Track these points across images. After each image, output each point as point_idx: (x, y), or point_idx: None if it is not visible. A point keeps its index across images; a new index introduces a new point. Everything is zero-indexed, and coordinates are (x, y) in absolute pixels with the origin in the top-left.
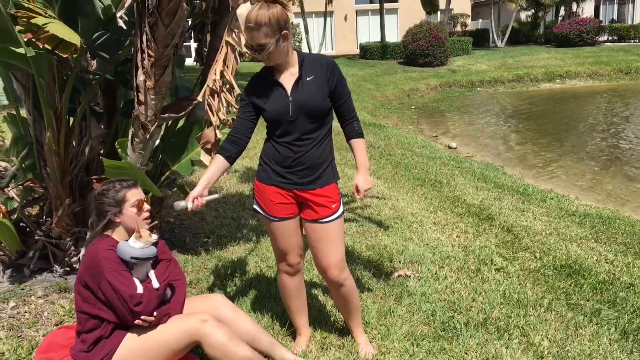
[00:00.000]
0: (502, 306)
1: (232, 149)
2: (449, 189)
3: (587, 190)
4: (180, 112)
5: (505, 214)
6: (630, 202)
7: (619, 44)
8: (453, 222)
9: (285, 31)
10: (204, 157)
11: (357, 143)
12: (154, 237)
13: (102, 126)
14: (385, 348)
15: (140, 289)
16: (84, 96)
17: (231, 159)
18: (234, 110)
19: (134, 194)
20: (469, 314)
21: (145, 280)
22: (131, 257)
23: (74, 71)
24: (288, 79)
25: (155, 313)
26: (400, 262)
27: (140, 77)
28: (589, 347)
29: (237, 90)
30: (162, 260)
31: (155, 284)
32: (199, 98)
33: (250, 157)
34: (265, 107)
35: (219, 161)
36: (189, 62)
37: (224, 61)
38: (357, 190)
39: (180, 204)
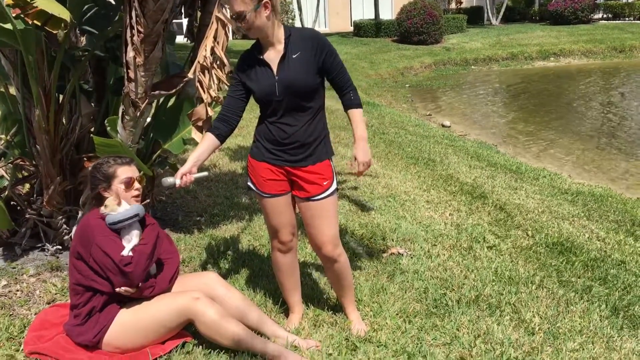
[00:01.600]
0: (493, 283)
1: (222, 128)
2: (442, 167)
3: (580, 168)
4: (171, 89)
5: (498, 192)
6: (622, 180)
7: (614, 21)
8: (446, 200)
9: (265, 0)
10: (196, 135)
11: (354, 113)
12: (104, 211)
13: (92, 104)
14: (378, 325)
15: (128, 250)
16: (73, 73)
17: (221, 138)
18: (225, 87)
19: (125, 171)
20: (461, 291)
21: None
22: (110, 224)
23: (62, 47)
24: (274, 57)
25: (140, 285)
26: (393, 240)
27: (130, 53)
28: (579, 324)
29: (228, 67)
30: (148, 225)
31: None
32: (190, 75)
33: (243, 136)
34: (252, 87)
35: (209, 139)
36: (180, 39)
37: (214, 37)
38: (357, 164)
39: (168, 180)
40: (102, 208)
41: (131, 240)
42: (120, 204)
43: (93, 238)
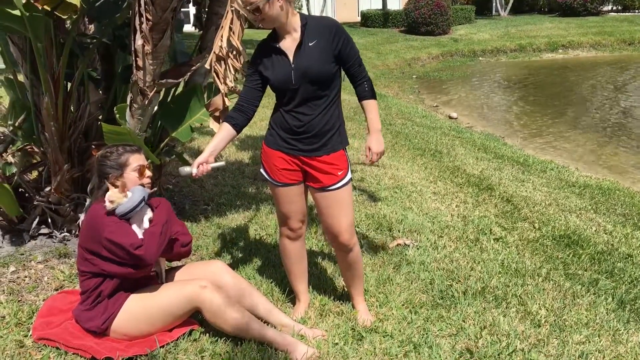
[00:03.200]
0: (500, 275)
1: (238, 118)
2: (449, 159)
3: (587, 161)
4: (179, 77)
5: (505, 185)
6: (630, 173)
7: (624, 14)
8: (453, 192)
9: None
10: (213, 125)
11: (368, 104)
12: (110, 205)
13: (100, 92)
14: (384, 315)
15: (139, 234)
16: (81, 61)
17: (238, 127)
18: (241, 77)
19: (137, 159)
20: (467, 283)
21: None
22: (122, 216)
23: (71, 34)
24: (290, 45)
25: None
26: (399, 231)
27: (139, 41)
28: (586, 316)
29: (245, 56)
30: (157, 207)
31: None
32: (206, 66)
33: (250, 125)
34: (269, 75)
35: (226, 129)
36: (187, 28)
37: (230, 27)
38: (371, 154)
39: (185, 170)
40: (108, 204)
41: (142, 224)
42: (126, 195)
43: (102, 231)
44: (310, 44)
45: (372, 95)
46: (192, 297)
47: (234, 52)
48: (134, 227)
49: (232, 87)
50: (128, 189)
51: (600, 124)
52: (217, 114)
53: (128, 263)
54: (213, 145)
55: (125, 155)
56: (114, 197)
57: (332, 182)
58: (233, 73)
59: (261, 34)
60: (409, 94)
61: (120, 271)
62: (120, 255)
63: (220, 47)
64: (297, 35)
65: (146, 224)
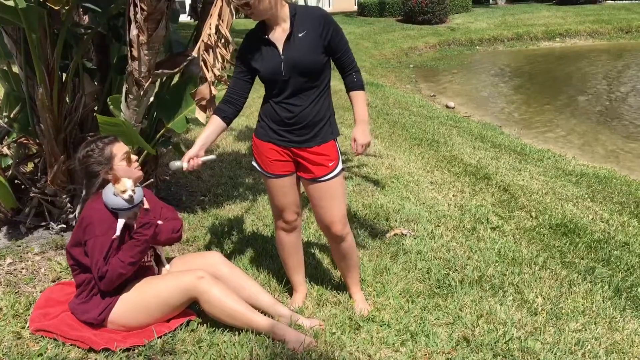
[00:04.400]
0: (497, 264)
1: (228, 110)
2: (446, 148)
3: (584, 149)
4: (175, 68)
5: (502, 174)
6: (627, 161)
7: (621, 1)
8: (450, 181)
9: None
10: (199, 114)
11: (356, 95)
12: (128, 193)
13: (96, 82)
14: (381, 305)
15: (119, 231)
16: (76, 52)
17: (228, 120)
18: (230, 66)
19: (119, 148)
20: (464, 272)
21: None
22: (112, 208)
23: (65, 25)
24: (280, 36)
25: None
26: (396, 220)
27: (134, 31)
28: (582, 304)
29: (233, 45)
30: (145, 223)
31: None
32: (194, 53)
33: (247, 116)
34: (258, 67)
35: (216, 122)
36: (183, 18)
37: (219, 15)
38: (357, 145)
39: (176, 164)
40: (125, 196)
41: (129, 220)
42: (119, 185)
43: (92, 234)
44: (299, 35)
45: (361, 87)
46: (189, 287)
47: (223, 41)
48: (120, 222)
49: (219, 76)
50: (120, 177)
51: (598, 112)
52: (203, 102)
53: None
54: (203, 138)
55: (108, 148)
56: (124, 187)
57: (324, 173)
58: (221, 62)
59: (252, 23)
60: (406, 83)
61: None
62: (89, 261)
63: (209, 35)
64: (286, 26)
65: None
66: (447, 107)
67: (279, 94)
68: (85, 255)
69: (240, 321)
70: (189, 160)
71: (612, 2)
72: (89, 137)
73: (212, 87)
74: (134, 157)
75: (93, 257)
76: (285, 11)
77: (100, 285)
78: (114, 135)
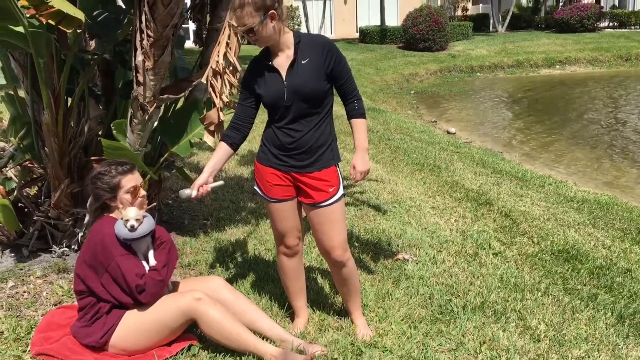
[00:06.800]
0: (499, 290)
1: (235, 136)
2: (448, 173)
3: (586, 176)
4: (179, 93)
5: (504, 199)
6: (629, 188)
7: (620, 30)
8: (451, 206)
9: (272, 11)
10: (208, 139)
11: (356, 123)
12: (130, 223)
13: (101, 107)
14: (383, 330)
15: (146, 267)
16: (82, 76)
17: (234, 146)
18: (237, 92)
19: (130, 180)
20: (466, 298)
21: (146, 258)
22: (123, 239)
23: (72, 50)
24: (283, 63)
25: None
26: (398, 246)
27: (139, 57)
28: (585, 331)
29: (241, 72)
30: (162, 244)
31: (152, 261)
32: (203, 80)
33: (249, 140)
34: (261, 92)
35: (223, 148)
36: (188, 44)
37: (227, 42)
38: (355, 172)
39: (185, 192)
40: (133, 222)
41: (143, 252)
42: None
43: (111, 256)
44: (303, 62)
45: (362, 114)
46: (187, 309)
47: (230, 68)
48: (140, 256)
49: (227, 102)
50: (124, 209)
51: (599, 139)
52: (212, 128)
53: (126, 297)
54: (211, 165)
55: (117, 178)
56: (127, 215)
57: (324, 199)
58: (229, 88)
59: (258, 50)
60: (408, 109)
61: (117, 297)
62: (123, 286)
63: (217, 62)
64: (290, 52)
65: (152, 261)
66: (448, 132)
67: (281, 119)
68: (96, 276)
69: (238, 344)
70: (198, 188)
71: (611, 30)
72: (92, 161)
73: (220, 113)
74: (142, 192)
75: (125, 276)
76: (289, 38)
77: (141, 299)
78: (133, 165)
